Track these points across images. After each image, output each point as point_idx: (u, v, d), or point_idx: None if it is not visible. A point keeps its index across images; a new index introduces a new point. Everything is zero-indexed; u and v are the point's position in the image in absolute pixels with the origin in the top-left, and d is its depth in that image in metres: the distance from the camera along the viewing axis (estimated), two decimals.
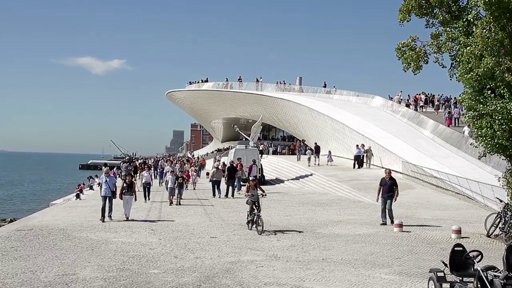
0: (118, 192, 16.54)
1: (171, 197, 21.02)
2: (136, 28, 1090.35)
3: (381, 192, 15.65)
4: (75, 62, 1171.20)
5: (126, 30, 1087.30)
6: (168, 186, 21.32)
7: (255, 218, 14.19)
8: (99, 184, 17.86)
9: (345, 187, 25.35)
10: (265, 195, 14.89)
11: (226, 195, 24.44)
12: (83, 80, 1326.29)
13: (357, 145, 31.71)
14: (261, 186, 14.98)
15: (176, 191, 21.06)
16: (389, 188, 15.60)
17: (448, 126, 30.94)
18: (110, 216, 16.26)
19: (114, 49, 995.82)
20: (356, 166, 31.28)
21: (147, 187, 22.59)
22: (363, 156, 31.26)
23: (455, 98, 34.86)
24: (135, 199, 17.09)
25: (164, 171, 26.08)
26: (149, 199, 22.39)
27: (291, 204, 21.27)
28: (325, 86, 52.82)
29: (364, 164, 31.21)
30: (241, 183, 26.42)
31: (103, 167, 39.58)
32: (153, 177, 25.12)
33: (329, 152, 35.64)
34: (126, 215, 16.41)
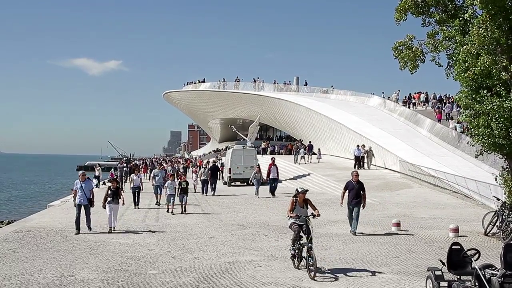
0: (101, 200, 14.54)
1: (169, 205, 18.62)
2: (133, 29, 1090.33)
3: (346, 198, 13.89)
4: (72, 63, 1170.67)
5: (122, 31, 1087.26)
6: (168, 193, 18.74)
7: (303, 251, 9.49)
8: (73, 192, 14.42)
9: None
10: (319, 215, 10.08)
11: (210, 193, 26.10)
12: (79, 81, 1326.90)
13: (357, 145, 31.12)
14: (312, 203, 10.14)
15: (178, 198, 18.72)
16: (356, 193, 13.66)
17: (439, 121, 31.83)
18: (89, 227, 14.07)
19: (110, 50, 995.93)
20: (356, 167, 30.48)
21: (136, 191, 20.33)
22: (362, 156, 30.80)
23: (452, 96, 35.04)
24: (123, 203, 14.95)
25: (152, 175, 22.94)
26: (138, 206, 20.22)
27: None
28: (306, 85, 54.05)
29: (365, 164, 30.70)
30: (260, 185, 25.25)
31: (96, 167, 39.47)
32: (143, 180, 22.21)
33: (319, 149, 37.09)
34: (110, 227, 14.21)
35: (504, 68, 12.34)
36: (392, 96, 41.92)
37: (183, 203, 18.67)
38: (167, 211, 18.53)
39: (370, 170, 29.79)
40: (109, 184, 15.55)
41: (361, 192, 13.69)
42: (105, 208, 14.41)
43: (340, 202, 14.31)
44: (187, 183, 19.55)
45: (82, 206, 13.96)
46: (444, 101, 37.96)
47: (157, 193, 21.52)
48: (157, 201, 21.33)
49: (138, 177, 21.28)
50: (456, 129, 28.70)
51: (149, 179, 28.10)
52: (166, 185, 19.45)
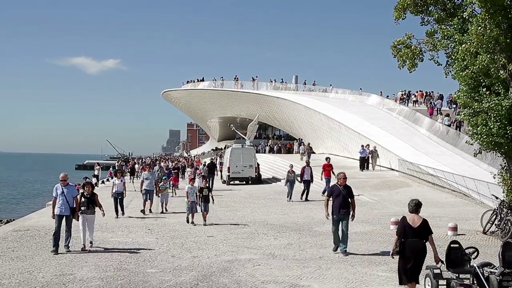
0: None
1: (189, 214, 15.65)
2: (131, 28, 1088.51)
3: (330, 207, 11.11)
4: (69, 62, 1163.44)
5: (120, 30, 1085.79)
6: (189, 200, 15.70)
7: None
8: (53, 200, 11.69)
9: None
10: None
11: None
12: (77, 80, 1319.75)
13: (362, 146, 29.92)
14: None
15: (200, 207, 15.75)
16: (343, 201, 10.84)
17: (430, 115, 33.19)
18: (67, 246, 11.24)
19: (108, 49, 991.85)
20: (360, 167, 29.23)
21: (118, 197, 17.23)
22: (368, 157, 29.61)
23: (450, 95, 35.24)
24: (103, 214, 12.22)
25: (142, 178, 19.74)
26: (123, 213, 17.19)
27: (288, 203, 21.32)
28: (296, 83, 54.56)
29: (369, 165, 29.60)
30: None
31: (95, 166, 39.39)
32: (126, 184, 18.39)
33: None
34: (83, 243, 11.47)
35: (502, 67, 12.36)
36: (398, 95, 41.92)
37: (206, 212, 15.65)
38: (187, 221, 15.59)
39: (370, 169, 29.72)
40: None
41: (350, 200, 11.02)
42: (77, 220, 11.54)
43: (325, 213, 11.36)
44: (209, 189, 16.39)
45: (64, 218, 11.25)
46: (443, 99, 38.24)
47: (146, 200, 18.25)
48: (143, 209, 17.96)
49: (121, 181, 17.88)
50: (444, 123, 29.75)
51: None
52: (186, 189, 16.24)
